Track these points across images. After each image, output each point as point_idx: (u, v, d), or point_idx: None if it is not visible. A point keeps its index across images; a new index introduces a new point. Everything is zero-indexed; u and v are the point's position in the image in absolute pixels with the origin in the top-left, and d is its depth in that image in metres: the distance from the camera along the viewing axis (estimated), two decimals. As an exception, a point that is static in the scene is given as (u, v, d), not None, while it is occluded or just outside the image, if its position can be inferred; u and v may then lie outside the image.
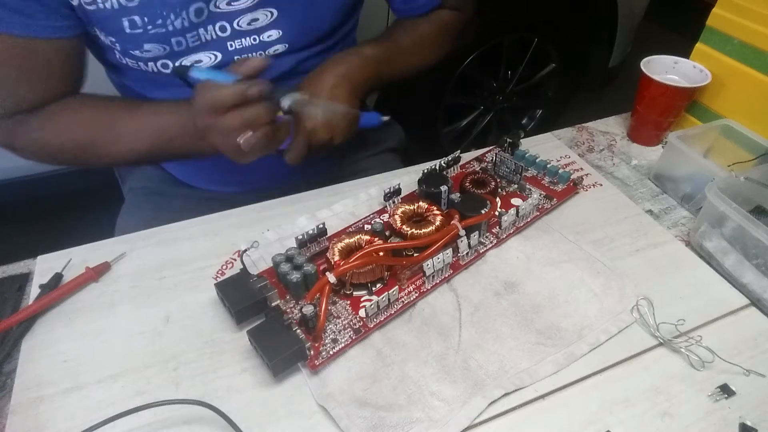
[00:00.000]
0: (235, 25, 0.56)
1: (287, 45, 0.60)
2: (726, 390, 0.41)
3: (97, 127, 0.58)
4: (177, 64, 0.56)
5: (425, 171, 0.56)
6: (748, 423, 0.39)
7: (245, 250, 0.49)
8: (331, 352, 0.42)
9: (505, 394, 0.40)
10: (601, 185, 0.60)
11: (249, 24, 0.57)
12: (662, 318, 0.44)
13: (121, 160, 0.58)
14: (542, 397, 0.41)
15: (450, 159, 0.59)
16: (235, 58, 0.58)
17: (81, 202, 1.37)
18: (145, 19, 0.51)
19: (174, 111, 0.55)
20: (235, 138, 0.48)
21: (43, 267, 0.50)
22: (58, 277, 0.48)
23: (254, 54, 0.59)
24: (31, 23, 0.50)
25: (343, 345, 0.42)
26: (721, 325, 0.46)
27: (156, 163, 0.72)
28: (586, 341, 0.44)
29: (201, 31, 0.55)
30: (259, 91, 0.47)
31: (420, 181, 0.55)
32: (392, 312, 0.45)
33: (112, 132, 0.57)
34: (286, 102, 0.50)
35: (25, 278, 0.49)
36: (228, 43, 0.57)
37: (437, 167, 0.58)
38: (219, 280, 0.46)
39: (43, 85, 0.55)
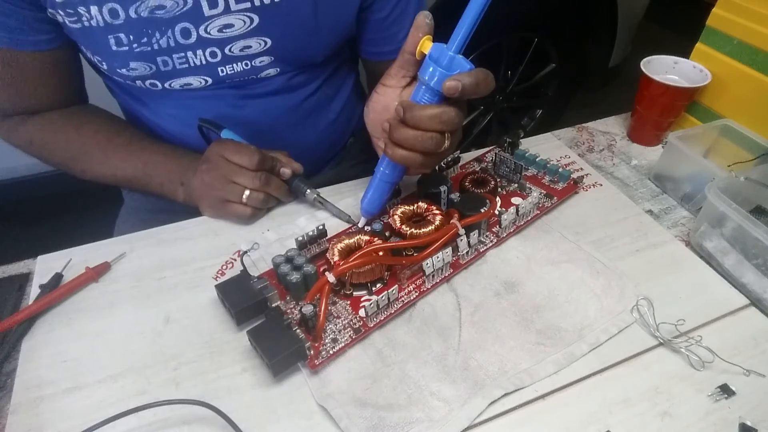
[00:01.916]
0: (226, 51, 0.56)
1: (279, 69, 0.60)
2: (726, 390, 0.41)
3: (92, 143, 0.60)
4: (204, 119, 0.59)
5: (425, 171, 0.56)
6: (748, 423, 0.39)
7: (245, 252, 0.49)
8: (331, 352, 0.42)
9: (505, 394, 0.40)
10: (601, 185, 0.60)
11: (241, 50, 0.56)
12: (662, 318, 0.44)
13: (101, 179, 0.61)
14: (542, 397, 0.41)
15: (449, 159, 0.59)
16: (226, 81, 0.59)
17: (81, 202, 1.37)
18: (131, 36, 0.51)
19: (167, 154, 0.59)
20: (227, 194, 0.53)
21: (43, 267, 0.50)
22: (58, 277, 0.49)
23: (246, 78, 0.59)
24: (9, 37, 0.50)
25: (343, 345, 0.42)
26: (721, 325, 0.46)
27: (127, 189, 0.74)
28: (586, 341, 0.44)
29: (189, 54, 0.55)
30: (280, 167, 0.55)
31: (419, 182, 0.55)
32: (392, 311, 0.45)
33: (104, 153, 0.59)
34: (311, 196, 0.56)
35: (25, 278, 0.50)
36: (219, 68, 0.57)
37: (437, 167, 0.58)
38: (219, 281, 0.46)
39: (22, 93, 0.56)
